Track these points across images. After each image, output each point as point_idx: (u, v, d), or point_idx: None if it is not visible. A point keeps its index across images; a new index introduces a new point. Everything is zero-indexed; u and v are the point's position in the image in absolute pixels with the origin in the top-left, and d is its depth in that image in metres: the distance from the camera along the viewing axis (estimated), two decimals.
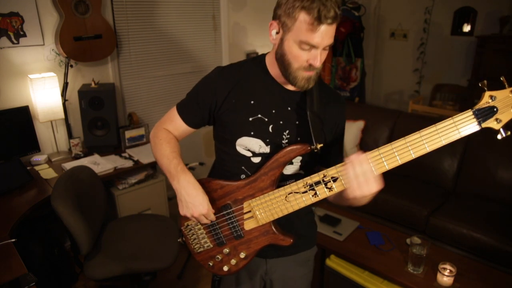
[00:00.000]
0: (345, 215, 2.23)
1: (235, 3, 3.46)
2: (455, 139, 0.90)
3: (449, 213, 2.53)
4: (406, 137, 0.92)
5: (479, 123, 0.88)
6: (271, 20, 1.04)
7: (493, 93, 0.87)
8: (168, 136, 1.22)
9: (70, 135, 2.69)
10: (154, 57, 3.12)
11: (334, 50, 4.18)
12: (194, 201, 1.10)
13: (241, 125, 1.13)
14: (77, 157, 2.59)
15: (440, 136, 0.90)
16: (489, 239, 2.28)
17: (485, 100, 0.88)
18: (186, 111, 1.21)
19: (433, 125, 0.91)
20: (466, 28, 4.13)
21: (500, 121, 0.88)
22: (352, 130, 3.24)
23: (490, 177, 2.66)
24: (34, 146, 2.47)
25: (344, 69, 4.22)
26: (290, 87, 1.13)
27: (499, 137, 0.89)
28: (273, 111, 1.12)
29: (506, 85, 0.87)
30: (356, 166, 0.93)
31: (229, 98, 1.13)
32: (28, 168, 2.32)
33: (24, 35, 2.37)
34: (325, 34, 0.95)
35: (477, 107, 0.88)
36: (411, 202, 2.63)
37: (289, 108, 1.13)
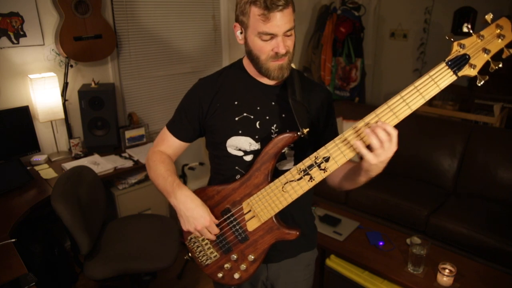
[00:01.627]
0: (345, 215, 2.23)
1: (235, 3, 3.46)
2: (435, 93, 0.91)
3: (449, 213, 2.53)
4: (388, 101, 0.93)
5: (455, 73, 0.89)
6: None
7: (462, 41, 0.89)
8: (162, 156, 1.23)
9: (70, 135, 2.69)
10: (154, 57, 3.12)
11: (334, 50, 4.18)
12: (193, 214, 1.10)
13: (228, 126, 1.15)
14: (77, 157, 2.59)
15: (421, 93, 0.90)
16: (489, 239, 2.28)
17: (455, 49, 0.89)
18: (177, 127, 1.24)
19: (411, 84, 0.91)
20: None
21: (475, 66, 0.88)
22: None
23: (490, 177, 2.66)
24: (34, 146, 2.47)
25: (344, 69, 4.21)
26: (270, 82, 1.16)
27: (478, 83, 0.89)
28: (258, 108, 1.14)
29: (472, 32, 0.88)
30: (379, 132, 0.88)
31: (213, 104, 1.16)
32: (28, 168, 2.32)
33: (24, 35, 2.37)
34: (279, 20, 0.98)
35: (449, 57, 0.89)
36: (411, 202, 2.63)
37: (273, 103, 1.15)
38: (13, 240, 1.63)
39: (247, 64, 1.17)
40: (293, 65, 1.24)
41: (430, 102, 4.33)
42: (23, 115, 2.39)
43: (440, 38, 4.30)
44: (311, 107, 1.17)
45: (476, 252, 2.33)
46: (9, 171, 2.24)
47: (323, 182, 1.08)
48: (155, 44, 3.09)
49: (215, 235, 1.14)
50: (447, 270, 1.64)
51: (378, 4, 4.62)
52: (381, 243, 1.94)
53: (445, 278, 1.63)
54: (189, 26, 3.27)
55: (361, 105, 4.11)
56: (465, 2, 4.02)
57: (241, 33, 1.09)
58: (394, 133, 0.89)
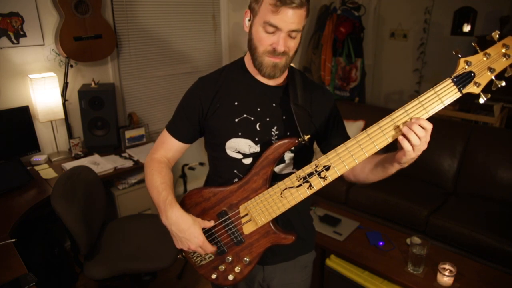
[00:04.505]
0: (345, 215, 2.23)
1: (235, 3, 3.46)
2: (439, 109, 0.91)
3: (449, 213, 2.53)
4: (391, 114, 0.93)
5: (460, 90, 0.89)
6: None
7: (468, 58, 0.89)
8: (160, 165, 1.19)
9: (70, 135, 2.69)
10: (154, 57, 3.12)
11: (334, 50, 4.18)
12: (186, 235, 1.07)
13: (228, 128, 1.12)
14: (77, 157, 2.59)
15: (425, 108, 0.90)
16: (489, 239, 2.28)
17: (461, 66, 0.89)
18: (177, 129, 1.20)
19: (416, 98, 0.91)
20: (466, 28, 4.13)
21: (479, 84, 0.89)
22: (352, 130, 3.24)
23: (490, 177, 2.66)
24: (34, 146, 2.47)
25: (344, 69, 4.22)
26: (271, 83, 1.14)
27: (481, 101, 0.90)
28: (258, 109, 1.12)
29: (479, 50, 0.88)
30: (417, 129, 0.89)
31: (213, 104, 1.14)
32: (28, 168, 2.32)
33: (24, 35, 2.37)
34: (289, 17, 0.96)
35: (455, 74, 0.89)
36: (411, 202, 2.63)
37: (274, 104, 1.13)
38: (13, 240, 1.63)
39: (249, 63, 1.14)
40: (292, 64, 1.23)
41: None
42: (23, 115, 2.39)
43: (440, 38, 4.30)
44: (313, 110, 1.14)
45: (476, 252, 2.33)
46: (9, 171, 2.24)
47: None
48: (155, 44, 3.09)
49: (210, 252, 1.12)
50: (447, 270, 1.64)
51: (378, 4, 4.62)
52: (381, 243, 1.94)
53: (445, 278, 1.63)
54: (189, 26, 3.27)
55: (361, 105, 4.11)
56: (465, 2, 4.02)
57: (249, 20, 1.06)
58: (429, 127, 0.89)
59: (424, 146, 0.91)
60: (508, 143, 2.71)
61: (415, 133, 0.89)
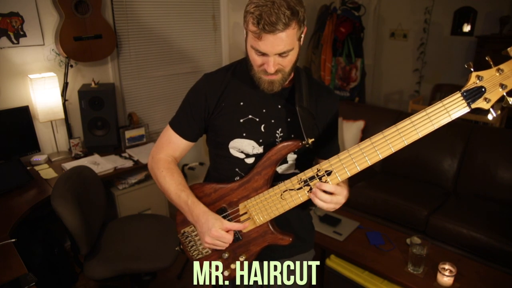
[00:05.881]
0: (345, 215, 2.23)
1: (235, 3, 3.46)
2: (446, 122, 0.90)
3: (449, 213, 2.53)
4: (397, 124, 0.92)
5: (469, 104, 0.88)
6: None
7: (480, 73, 0.87)
8: (169, 166, 1.18)
9: (70, 135, 2.69)
10: (154, 57, 3.12)
11: (334, 50, 4.18)
12: (203, 229, 1.09)
13: (232, 128, 1.12)
14: (77, 157, 2.59)
15: (431, 121, 0.90)
16: (489, 239, 2.28)
17: (472, 81, 0.87)
18: (183, 127, 1.18)
19: (423, 110, 0.90)
20: (466, 28, 4.13)
21: (489, 100, 0.87)
22: (352, 130, 3.24)
23: (490, 177, 2.66)
24: (34, 146, 2.47)
25: (344, 69, 4.22)
26: None
27: (489, 117, 0.89)
28: (264, 111, 1.12)
29: (492, 65, 0.86)
30: (321, 195, 0.99)
31: (219, 103, 1.13)
32: (28, 168, 2.32)
33: (24, 35, 2.37)
34: (273, 42, 0.94)
35: (465, 88, 0.88)
36: (411, 202, 2.63)
37: (279, 106, 1.13)
38: (13, 240, 1.63)
39: None
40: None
41: (430, 102, 4.34)
42: (23, 115, 2.39)
43: (440, 38, 4.30)
44: (318, 111, 1.14)
45: (476, 252, 2.33)
46: (9, 171, 2.24)
47: None
48: (155, 44, 3.09)
49: (228, 244, 1.11)
50: (447, 270, 1.64)
51: (378, 4, 4.62)
52: (381, 243, 1.94)
53: (445, 278, 1.63)
54: (189, 26, 3.27)
55: (361, 105, 4.10)
56: (465, 2, 4.02)
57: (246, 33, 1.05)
58: (334, 189, 1.00)
59: (335, 205, 1.04)
60: (508, 143, 2.71)
61: (320, 199, 1.00)
